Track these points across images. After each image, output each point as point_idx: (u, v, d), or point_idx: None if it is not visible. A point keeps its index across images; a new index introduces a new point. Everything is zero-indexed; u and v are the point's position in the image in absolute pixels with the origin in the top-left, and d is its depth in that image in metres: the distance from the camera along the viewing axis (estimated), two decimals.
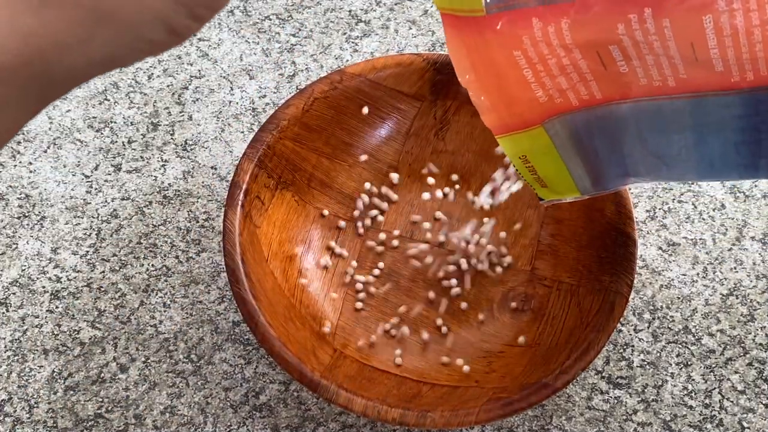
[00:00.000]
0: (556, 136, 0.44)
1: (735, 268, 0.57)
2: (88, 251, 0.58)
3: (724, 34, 0.36)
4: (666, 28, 0.37)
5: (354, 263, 0.56)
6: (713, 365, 0.54)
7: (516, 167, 0.46)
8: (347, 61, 0.66)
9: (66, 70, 0.32)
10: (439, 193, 0.58)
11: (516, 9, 0.40)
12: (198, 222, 0.59)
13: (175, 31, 0.34)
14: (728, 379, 0.54)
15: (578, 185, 0.46)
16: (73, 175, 0.61)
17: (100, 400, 0.53)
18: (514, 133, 0.44)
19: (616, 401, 0.53)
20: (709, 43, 0.36)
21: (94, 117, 0.63)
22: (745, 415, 0.53)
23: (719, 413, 0.53)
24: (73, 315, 0.56)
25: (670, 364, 0.54)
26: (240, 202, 0.52)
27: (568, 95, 0.42)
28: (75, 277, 0.57)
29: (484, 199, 0.52)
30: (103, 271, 0.57)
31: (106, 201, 0.60)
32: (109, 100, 0.64)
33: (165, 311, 0.56)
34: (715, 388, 0.54)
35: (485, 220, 0.57)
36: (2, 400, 0.53)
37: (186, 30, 0.34)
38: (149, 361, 0.54)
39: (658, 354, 0.54)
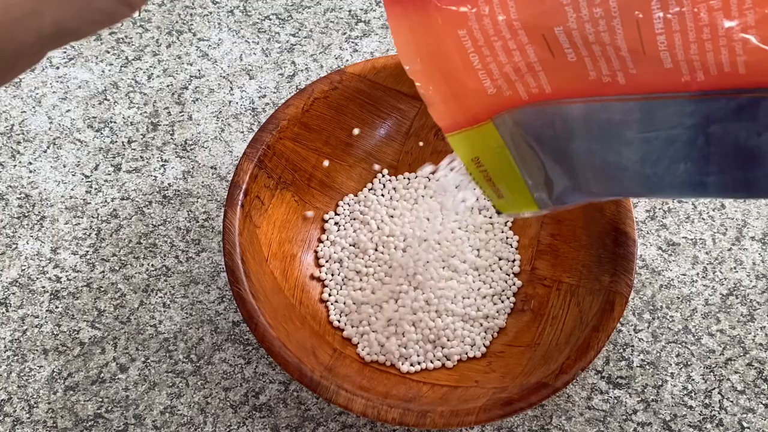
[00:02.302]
0: (507, 135, 0.42)
1: (735, 268, 0.57)
2: (87, 251, 0.58)
3: (669, 11, 0.35)
4: None
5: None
6: (713, 365, 0.54)
7: (471, 173, 0.44)
8: (347, 61, 0.66)
9: (17, 46, 0.31)
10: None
11: None
12: (198, 222, 0.59)
13: (126, 0, 0.33)
14: (728, 379, 0.54)
15: (535, 197, 0.44)
16: (73, 175, 0.61)
17: (100, 400, 0.53)
18: (464, 130, 0.42)
19: (616, 401, 0.53)
20: (655, 24, 0.35)
21: (94, 117, 0.63)
22: (745, 415, 0.53)
23: (719, 413, 0.53)
24: (73, 315, 0.56)
25: (670, 364, 0.54)
26: (240, 202, 0.52)
27: (517, 87, 0.40)
28: (75, 277, 0.57)
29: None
30: (103, 271, 0.57)
31: (105, 201, 0.60)
32: (108, 100, 0.64)
33: (165, 311, 0.56)
34: (715, 388, 0.54)
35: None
36: (2, 400, 0.53)
37: (137, 0, 0.34)
38: (149, 361, 0.54)
39: (658, 354, 0.54)
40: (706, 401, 0.53)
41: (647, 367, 0.54)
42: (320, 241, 0.57)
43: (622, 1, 0.36)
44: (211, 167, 0.61)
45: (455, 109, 0.42)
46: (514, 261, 0.56)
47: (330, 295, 0.55)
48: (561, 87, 0.40)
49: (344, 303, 0.55)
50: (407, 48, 0.41)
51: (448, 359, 0.53)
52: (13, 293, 0.57)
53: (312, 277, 0.56)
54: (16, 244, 0.58)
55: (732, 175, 0.38)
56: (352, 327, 0.54)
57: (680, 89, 0.37)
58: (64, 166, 0.61)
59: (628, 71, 0.37)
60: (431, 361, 0.53)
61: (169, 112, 0.64)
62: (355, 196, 0.58)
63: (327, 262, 0.56)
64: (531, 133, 0.42)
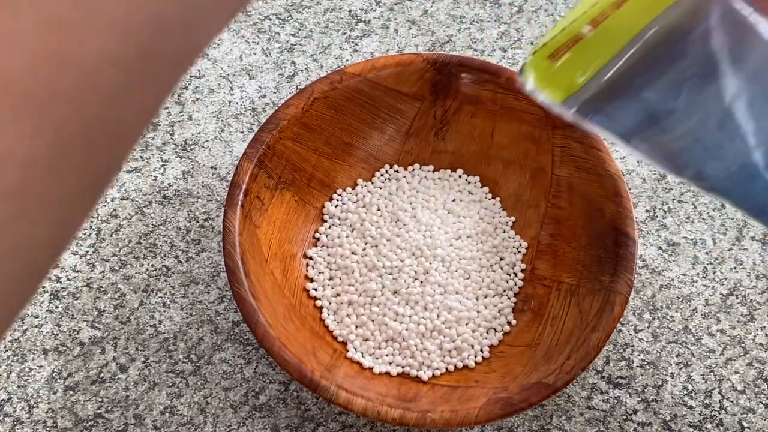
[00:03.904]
0: (676, 16, 0.34)
1: (735, 268, 0.57)
2: (87, 251, 0.58)
3: None
4: None
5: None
6: (713, 365, 0.54)
7: (584, 14, 0.36)
8: (347, 61, 0.66)
9: None
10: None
11: None
12: (198, 222, 0.59)
13: None
14: (728, 379, 0.54)
15: (585, 84, 0.37)
16: None
17: (100, 400, 0.53)
18: None
19: (616, 401, 0.53)
20: None
21: None
22: (745, 415, 0.53)
23: (719, 413, 0.53)
24: (73, 315, 0.56)
25: (670, 364, 0.54)
26: (240, 202, 0.52)
27: None
28: (75, 277, 0.57)
29: None
30: (103, 271, 0.57)
31: (105, 201, 0.60)
32: None
33: (165, 311, 0.56)
34: (715, 388, 0.54)
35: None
36: (2, 400, 0.53)
37: None
38: (149, 361, 0.54)
39: (658, 354, 0.54)
40: (706, 401, 0.53)
41: (647, 367, 0.54)
42: (318, 240, 0.57)
43: None
44: (211, 167, 0.61)
45: None
46: (514, 261, 0.56)
47: (326, 294, 0.55)
48: None
49: (339, 304, 0.55)
50: None
51: (450, 358, 0.53)
52: None
53: (318, 265, 0.56)
54: None
55: None
56: (347, 328, 0.54)
57: None
58: None
59: None
60: (431, 362, 0.53)
61: (169, 112, 0.64)
62: (353, 189, 0.58)
63: (325, 265, 0.56)
64: (719, 35, 0.34)
